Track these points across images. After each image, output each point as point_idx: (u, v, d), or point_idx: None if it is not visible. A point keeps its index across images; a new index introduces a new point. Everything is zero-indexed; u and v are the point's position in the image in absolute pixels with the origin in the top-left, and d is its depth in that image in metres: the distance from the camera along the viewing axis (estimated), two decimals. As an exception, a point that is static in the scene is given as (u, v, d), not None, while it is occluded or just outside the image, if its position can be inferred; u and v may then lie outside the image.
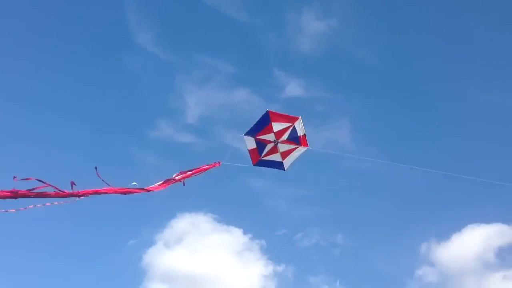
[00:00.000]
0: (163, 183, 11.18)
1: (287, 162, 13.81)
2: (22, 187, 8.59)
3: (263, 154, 13.80)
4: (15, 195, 8.51)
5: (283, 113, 13.51)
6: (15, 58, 31.96)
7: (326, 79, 34.28)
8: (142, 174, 29.66)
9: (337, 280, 28.09)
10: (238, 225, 29.52)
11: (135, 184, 10.56)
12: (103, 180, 9.95)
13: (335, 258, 29.56)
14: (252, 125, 13.61)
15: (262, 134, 13.58)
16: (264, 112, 13.44)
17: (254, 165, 13.92)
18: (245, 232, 29.49)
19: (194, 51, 34.56)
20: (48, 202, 9.03)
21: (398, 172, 31.13)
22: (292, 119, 13.45)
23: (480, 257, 27.95)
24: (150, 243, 29.08)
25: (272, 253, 29.01)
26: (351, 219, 31.29)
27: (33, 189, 8.70)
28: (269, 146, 13.69)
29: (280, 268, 28.43)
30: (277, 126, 13.44)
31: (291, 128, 13.46)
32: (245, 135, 13.72)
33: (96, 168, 9.94)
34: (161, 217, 29.49)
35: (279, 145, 13.63)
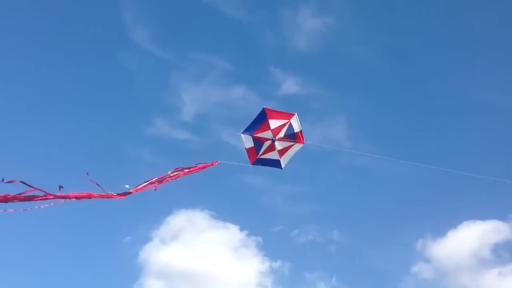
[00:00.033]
0: (147, 184, 11.27)
1: (284, 160, 13.90)
2: (10, 189, 8.89)
3: (260, 153, 13.87)
4: (4, 199, 8.83)
5: (280, 110, 13.64)
6: (10, 56, 32.18)
7: (323, 77, 34.57)
8: (138, 171, 29.93)
9: (333, 276, 28.41)
10: (234, 222, 29.84)
11: (127, 187, 10.74)
12: (96, 184, 10.23)
13: (331, 254, 29.89)
14: (249, 123, 13.70)
15: (259, 132, 13.68)
16: (261, 109, 13.55)
17: (252, 164, 13.98)
18: (241, 229, 29.78)
19: (190, 48, 34.83)
20: (36, 205, 9.33)
21: (394, 169, 31.47)
22: (288, 116, 13.57)
23: (476, 253, 28.29)
24: (147, 239, 29.36)
25: (268, 249, 29.32)
26: (347, 215, 31.65)
27: (22, 193, 9.00)
28: (266, 144, 13.77)
29: (277, 264, 28.74)
30: (274, 123, 13.54)
31: (287, 125, 13.57)
32: (242, 133, 13.81)
33: (87, 173, 10.20)
34: (158, 213, 29.76)
35: (276, 142, 13.71)
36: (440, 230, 28.82)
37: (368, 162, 31.56)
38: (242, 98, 32.85)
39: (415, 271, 28.42)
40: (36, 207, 9.30)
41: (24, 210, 9.13)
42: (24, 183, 8.89)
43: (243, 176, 28.91)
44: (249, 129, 13.77)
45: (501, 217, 28.87)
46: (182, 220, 30.06)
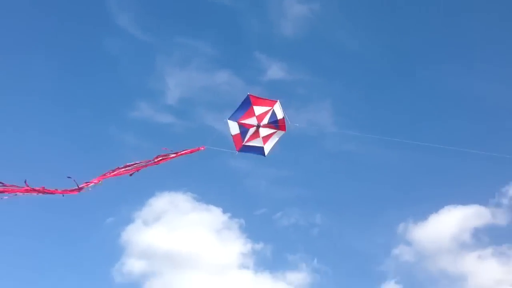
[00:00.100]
0: (102, 176, 11.78)
1: (267, 147, 14.29)
2: None
3: (245, 139, 14.26)
4: None
5: (263, 97, 14.10)
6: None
7: (308, 63, 34.98)
8: (122, 154, 30.39)
9: (314, 258, 29.24)
10: (217, 204, 30.36)
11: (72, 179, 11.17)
12: (77, 185, 10.87)
13: (313, 237, 30.63)
14: (235, 110, 14.14)
15: (244, 118, 14.12)
16: (245, 96, 14.01)
17: (238, 151, 14.36)
18: (224, 211, 30.35)
19: (175, 33, 34.99)
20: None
21: (378, 155, 32.17)
22: (271, 103, 14.02)
23: (456, 237, 29.19)
24: (129, 220, 29.76)
25: (251, 231, 29.98)
26: (330, 199, 32.34)
27: None
28: (251, 131, 14.19)
29: (259, 246, 29.45)
30: (258, 110, 14.00)
31: (270, 112, 14.00)
32: (229, 119, 14.22)
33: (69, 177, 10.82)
34: (140, 195, 30.14)
35: (261, 129, 14.14)
36: (422, 214, 29.67)
37: (352, 147, 32.31)
38: (227, 83, 33.25)
39: (396, 254, 29.30)
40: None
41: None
42: None
43: (227, 160, 29.42)
44: (235, 116, 14.17)
45: (482, 202, 29.87)
46: (164, 202, 30.55)
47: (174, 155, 12.93)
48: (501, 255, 27.97)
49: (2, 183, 9.92)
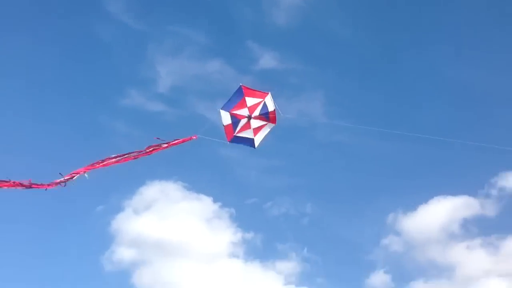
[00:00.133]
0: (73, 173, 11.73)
1: (257, 139, 14.50)
2: None
3: (237, 130, 14.45)
4: None
5: (255, 89, 14.32)
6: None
7: (301, 52, 35.09)
8: (112, 142, 30.53)
9: (304, 247, 29.68)
10: (208, 194, 30.63)
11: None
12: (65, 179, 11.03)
13: (303, 226, 31.05)
14: (227, 100, 14.37)
15: (236, 109, 14.33)
16: (238, 86, 14.24)
17: (229, 141, 14.57)
18: (215, 200, 30.61)
19: (167, 21, 34.98)
20: None
21: (369, 145, 32.46)
22: (262, 95, 14.24)
23: (445, 228, 29.68)
24: (119, 209, 29.98)
25: (241, 221, 30.30)
26: (321, 189, 32.69)
27: None
28: (243, 122, 14.39)
29: (249, 235, 29.80)
30: (250, 101, 14.21)
31: (262, 104, 14.20)
32: (221, 109, 14.42)
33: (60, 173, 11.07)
34: (130, 184, 30.30)
35: (252, 120, 14.33)
36: (411, 204, 30.08)
37: (343, 137, 32.62)
38: (218, 72, 33.37)
39: (385, 244, 29.76)
40: None
41: None
42: None
43: (217, 149, 29.61)
44: (227, 106, 14.38)
45: (472, 193, 30.31)
46: (155, 191, 30.74)
47: (166, 145, 13.08)
48: (489, 245, 28.56)
49: None
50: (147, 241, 29.04)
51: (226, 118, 14.41)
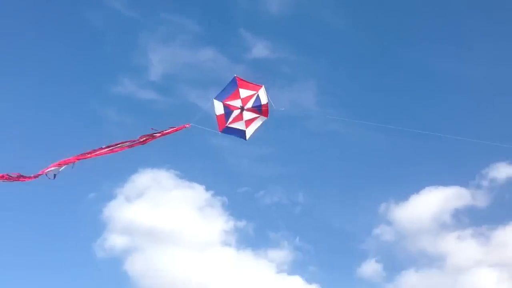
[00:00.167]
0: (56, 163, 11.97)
1: (249, 132, 14.60)
2: None
3: (229, 121, 14.56)
4: None
5: (249, 81, 14.45)
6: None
7: (293, 41, 35.21)
8: (103, 130, 30.62)
9: (296, 236, 30.07)
10: (200, 182, 30.94)
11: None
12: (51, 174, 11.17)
13: (295, 215, 31.44)
14: (221, 90, 14.48)
15: (230, 100, 14.43)
16: (231, 75, 14.39)
17: (221, 132, 14.68)
18: (207, 189, 30.93)
19: (159, 8, 34.92)
20: None
21: (361, 135, 32.78)
22: (256, 87, 14.34)
23: (437, 218, 30.18)
24: (111, 196, 30.24)
25: (233, 209, 30.67)
26: (313, 178, 33.04)
27: None
28: (235, 113, 14.48)
29: (241, 224, 30.18)
30: (243, 93, 14.32)
31: (255, 96, 14.30)
32: (214, 99, 14.53)
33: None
34: (122, 171, 30.52)
35: (244, 112, 14.43)
36: (403, 194, 30.49)
37: (335, 127, 32.85)
38: (211, 61, 33.46)
39: (377, 233, 30.23)
40: None
41: None
42: None
43: (210, 137, 29.72)
44: (221, 96, 14.49)
45: (463, 183, 30.82)
46: (147, 179, 30.96)
47: (160, 134, 13.22)
48: (480, 236, 29.10)
49: None
50: (139, 228, 29.37)
51: (219, 108, 14.52)
